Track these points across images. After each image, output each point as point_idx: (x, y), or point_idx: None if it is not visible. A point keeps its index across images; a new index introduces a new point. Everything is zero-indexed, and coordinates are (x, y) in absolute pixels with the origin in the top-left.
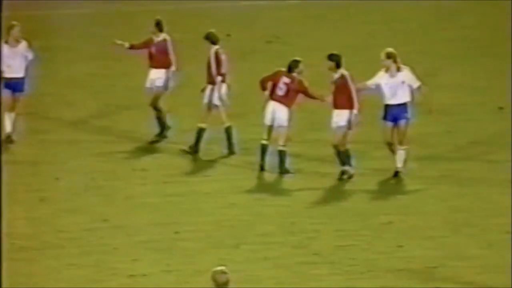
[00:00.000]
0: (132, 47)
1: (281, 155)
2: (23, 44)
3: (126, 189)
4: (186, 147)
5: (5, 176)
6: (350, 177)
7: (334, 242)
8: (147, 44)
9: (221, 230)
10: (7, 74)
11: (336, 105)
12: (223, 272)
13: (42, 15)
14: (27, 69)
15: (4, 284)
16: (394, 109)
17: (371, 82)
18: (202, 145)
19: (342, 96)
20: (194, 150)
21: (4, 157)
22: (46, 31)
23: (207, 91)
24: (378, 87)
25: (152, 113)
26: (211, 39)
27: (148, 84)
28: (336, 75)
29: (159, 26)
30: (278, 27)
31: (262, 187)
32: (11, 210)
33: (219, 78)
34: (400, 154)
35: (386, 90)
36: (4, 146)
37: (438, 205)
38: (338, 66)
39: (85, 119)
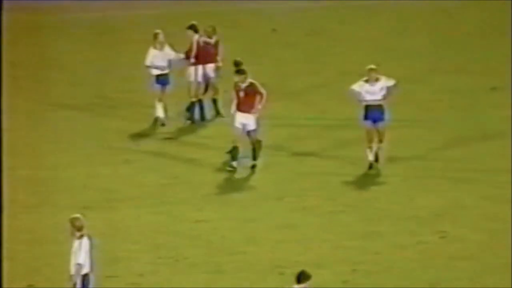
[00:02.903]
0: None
1: (256, 147)
2: (167, 48)
3: (191, 153)
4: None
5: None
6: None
7: (359, 196)
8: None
9: (268, 186)
10: (157, 71)
11: (244, 110)
12: (78, 219)
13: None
14: (170, 67)
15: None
16: (373, 111)
17: (355, 89)
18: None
19: (250, 102)
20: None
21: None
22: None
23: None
24: (359, 94)
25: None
26: (194, 29)
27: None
28: (245, 84)
29: (213, 29)
30: (316, 23)
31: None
32: (102, 170)
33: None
34: (378, 149)
35: (366, 96)
36: (156, 128)
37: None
38: (243, 73)
39: None
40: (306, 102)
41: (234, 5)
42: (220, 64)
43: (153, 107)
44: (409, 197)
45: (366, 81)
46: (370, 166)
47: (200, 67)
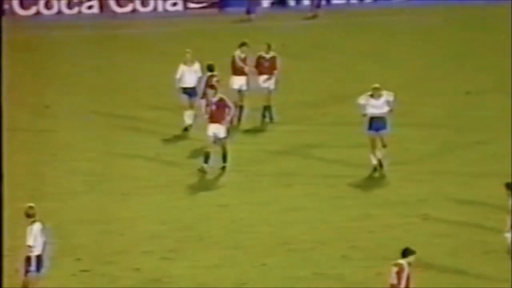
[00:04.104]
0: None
1: (224, 150)
2: (196, 64)
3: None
4: None
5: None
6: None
7: (356, 184)
8: (258, 60)
9: (279, 176)
10: (185, 84)
11: (216, 121)
12: (31, 207)
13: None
14: (198, 81)
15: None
16: (377, 122)
17: (361, 102)
18: None
19: (221, 114)
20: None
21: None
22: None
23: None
24: (364, 107)
25: None
26: (242, 46)
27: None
28: (215, 99)
29: (269, 47)
30: (319, 38)
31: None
32: (137, 163)
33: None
34: (382, 153)
35: (372, 110)
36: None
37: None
38: (214, 88)
39: None
40: (314, 106)
41: (250, 24)
42: (276, 75)
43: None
44: (398, 186)
45: (371, 95)
46: (375, 169)
47: (242, 78)
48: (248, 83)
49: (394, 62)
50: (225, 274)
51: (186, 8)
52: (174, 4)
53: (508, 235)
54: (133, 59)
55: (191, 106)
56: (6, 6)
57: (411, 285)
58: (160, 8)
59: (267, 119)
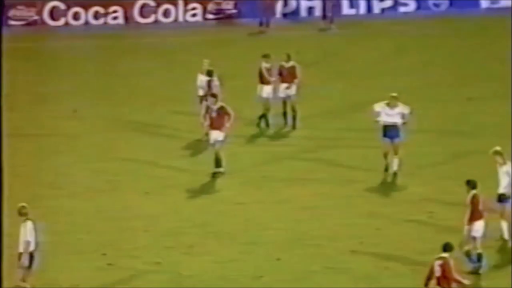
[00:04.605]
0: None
1: (219, 157)
2: (215, 76)
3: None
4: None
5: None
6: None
7: (365, 185)
8: (280, 69)
9: (293, 176)
10: (202, 92)
11: (216, 127)
12: (24, 207)
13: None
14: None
15: None
16: (390, 130)
17: (376, 109)
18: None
19: (221, 121)
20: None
21: None
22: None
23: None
24: (378, 114)
25: None
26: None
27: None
28: (216, 106)
29: (288, 57)
30: (331, 46)
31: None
32: (161, 161)
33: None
34: (395, 161)
35: (385, 118)
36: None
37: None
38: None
39: None
40: (328, 111)
41: (265, 34)
42: (297, 83)
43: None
44: (404, 186)
45: (388, 104)
46: (386, 170)
47: (269, 87)
48: (275, 91)
49: (400, 69)
50: (242, 267)
51: (205, 19)
52: (194, 15)
53: (467, 227)
54: (156, 67)
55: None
56: (37, 17)
57: (454, 277)
58: (180, 19)
59: (287, 125)
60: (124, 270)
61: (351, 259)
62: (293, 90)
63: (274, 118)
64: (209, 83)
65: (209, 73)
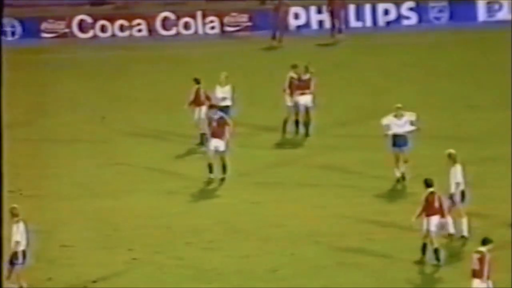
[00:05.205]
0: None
1: (225, 163)
2: (227, 87)
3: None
4: None
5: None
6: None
7: (373, 185)
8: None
9: (306, 178)
10: (223, 103)
11: (216, 136)
12: (15, 208)
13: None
14: (233, 100)
15: None
16: (399, 139)
17: (384, 122)
18: None
19: (221, 131)
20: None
21: None
22: None
23: None
24: (387, 127)
25: None
26: (294, 68)
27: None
28: (217, 116)
29: (306, 68)
30: (340, 56)
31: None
32: (181, 163)
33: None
34: (404, 168)
35: (396, 129)
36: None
37: None
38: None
39: None
40: (338, 119)
41: (279, 45)
42: (311, 94)
43: None
44: (410, 187)
45: (395, 116)
46: (398, 181)
47: (295, 96)
48: (313, 100)
49: (405, 79)
50: (258, 262)
51: (223, 31)
52: (213, 28)
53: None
54: (177, 77)
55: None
56: (66, 30)
57: (492, 270)
58: (200, 31)
59: (299, 132)
60: (149, 264)
61: (360, 254)
62: (309, 100)
63: (289, 126)
64: (197, 91)
65: (197, 81)
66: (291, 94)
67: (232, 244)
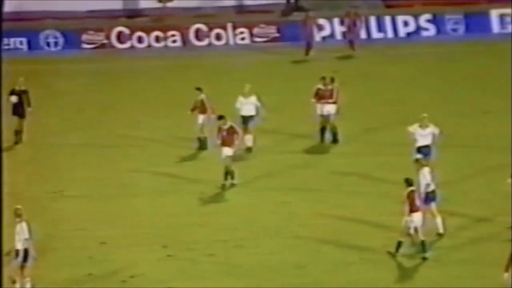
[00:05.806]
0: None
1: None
2: (253, 97)
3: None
4: None
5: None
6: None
7: (385, 188)
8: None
9: (330, 180)
10: (243, 113)
11: (227, 144)
12: (19, 209)
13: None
14: (257, 110)
15: None
16: (423, 150)
17: (410, 131)
18: None
19: (231, 139)
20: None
21: None
22: None
23: None
24: (413, 134)
25: None
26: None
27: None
28: (226, 126)
29: (332, 79)
30: (363, 67)
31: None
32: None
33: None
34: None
35: (419, 138)
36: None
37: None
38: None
39: None
40: (362, 126)
41: (307, 55)
42: (335, 104)
43: None
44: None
45: (420, 126)
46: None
47: (319, 105)
48: (337, 110)
49: (424, 87)
50: (286, 259)
51: (252, 41)
52: (243, 38)
53: (408, 218)
54: (209, 85)
55: (249, 131)
56: (105, 41)
57: None
58: (231, 42)
59: (325, 139)
60: (182, 261)
61: (383, 250)
62: (333, 109)
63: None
64: (201, 100)
65: (199, 90)
66: (317, 103)
67: (261, 242)
